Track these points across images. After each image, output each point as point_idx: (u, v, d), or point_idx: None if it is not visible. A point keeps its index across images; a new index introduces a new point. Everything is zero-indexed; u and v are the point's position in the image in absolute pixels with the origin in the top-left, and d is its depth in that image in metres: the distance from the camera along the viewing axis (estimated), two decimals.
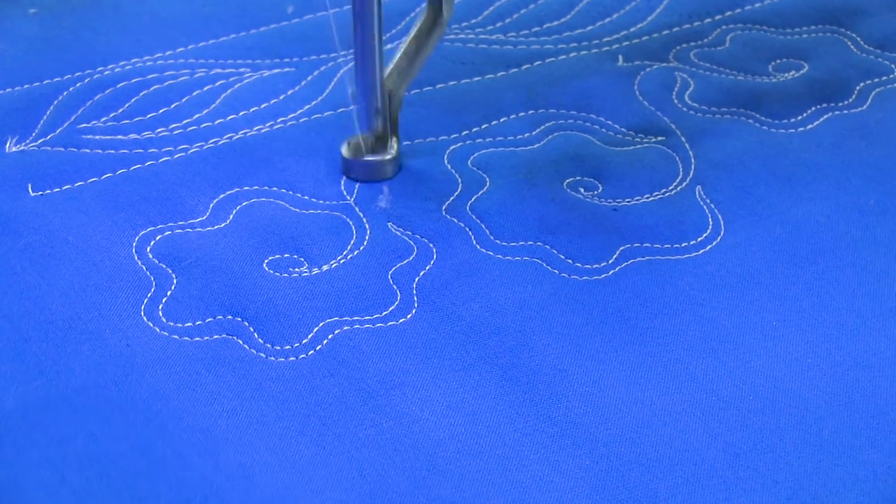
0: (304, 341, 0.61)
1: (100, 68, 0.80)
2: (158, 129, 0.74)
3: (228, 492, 0.53)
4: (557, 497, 0.53)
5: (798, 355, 0.60)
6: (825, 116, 0.76)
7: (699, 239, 0.67)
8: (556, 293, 0.63)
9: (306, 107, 0.77)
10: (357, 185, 0.70)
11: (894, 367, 0.59)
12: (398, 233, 0.67)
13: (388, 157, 0.69)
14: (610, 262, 0.65)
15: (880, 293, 0.63)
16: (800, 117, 0.75)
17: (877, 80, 0.79)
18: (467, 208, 0.68)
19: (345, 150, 0.69)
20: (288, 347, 0.60)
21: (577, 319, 0.62)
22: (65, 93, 0.77)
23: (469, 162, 0.72)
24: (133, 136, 0.74)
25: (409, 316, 0.62)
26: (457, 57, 0.82)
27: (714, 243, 0.67)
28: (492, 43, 0.84)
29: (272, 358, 0.60)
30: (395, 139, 0.69)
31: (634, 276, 0.64)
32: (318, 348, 0.60)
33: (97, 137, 0.74)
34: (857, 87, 0.78)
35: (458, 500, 0.53)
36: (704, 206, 0.69)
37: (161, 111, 0.76)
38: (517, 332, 0.61)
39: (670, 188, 0.70)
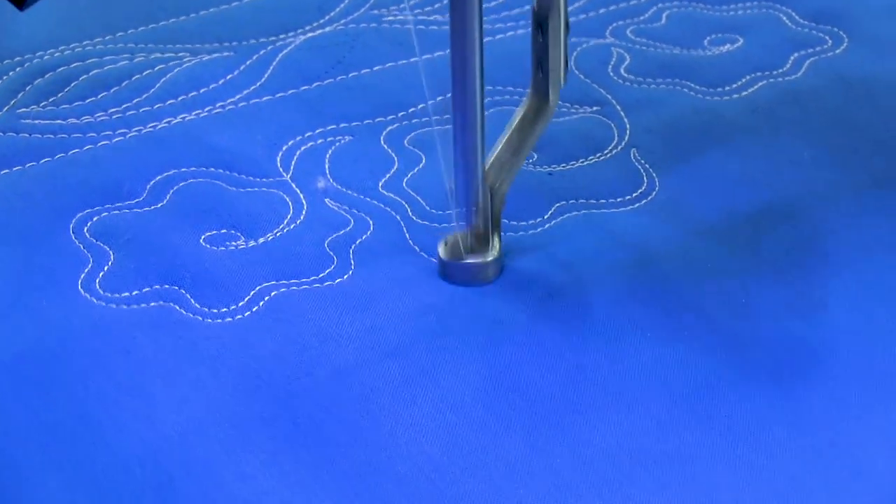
0: (240, 304, 0.61)
1: (39, 53, 0.80)
2: (98, 114, 0.75)
3: (165, 453, 0.52)
4: (493, 435, 0.53)
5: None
6: (760, 84, 0.77)
7: (634, 194, 0.67)
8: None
9: (245, 91, 0.77)
10: (294, 162, 0.70)
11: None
12: (335, 207, 0.67)
13: (490, 258, 0.62)
14: (546, 217, 0.66)
15: (816, 247, 0.63)
16: (735, 85, 0.76)
17: (811, 50, 0.80)
18: (403, 184, 0.68)
19: (441, 251, 0.62)
20: (225, 310, 0.60)
21: (518, 265, 0.63)
22: (4, 78, 0.77)
23: (406, 141, 0.72)
24: (72, 120, 0.74)
25: (345, 276, 0.62)
26: (393, 38, 0.82)
27: (649, 198, 0.67)
28: (430, 24, 0.84)
29: (209, 320, 0.60)
30: (497, 238, 0.62)
31: (570, 227, 0.65)
32: (254, 309, 0.60)
33: (36, 122, 0.74)
34: (792, 57, 0.79)
35: (393, 442, 0.53)
36: (639, 166, 0.69)
37: (100, 96, 0.76)
38: (450, 290, 0.61)
39: (605, 152, 0.71)
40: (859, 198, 0.67)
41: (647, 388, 0.56)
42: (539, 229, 0.65)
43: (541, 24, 0.58)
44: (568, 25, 0.58)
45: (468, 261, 0.61)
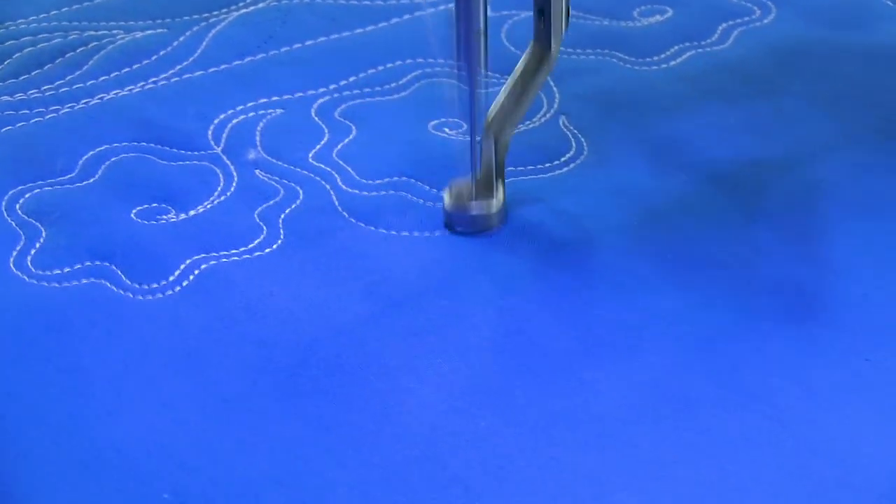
0: (170, 278, 0.61)
1: None
2: (31, 91, 0.74)
3: (95, 429, 0.53)
4: (420, 399, 0.54)
5: (657, 251, 0.62)
6: (688, 54, 0.77)
7: (563, 159, 0.68)
8: (420, 220, 0.65)
9: (178, 67, 0.77)
10: (225, 135, 0.70)
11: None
12: (265, 178, 0.67)
13: (495, 206, 0.62)
14: None
15: (742, 200, 0.64)
16: (664, 55, 0.77)
17: (739, 20, 0.80)
18: (333, 154, 0.69)
19: (446, 198, 0.63)
20: (155, 286, 0.60)
21: (436, 243, 0.63)
22: None
23: (336, 113, 0.72)
24: (5, 98, 0.74)
25: (274, 246, 0.62)
26: (325, 14, 0.82)
27: (578, 161, 0.68)
28: None
29: (140, 297, 0.60)
30: (501, 185, 0.63)
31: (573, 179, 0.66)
32: (184, 284, 0.60)
33: None
34: (720, 28, 0.80)
35: (327, 419, 0.53)
36: (568, 132, 0.70)
37: (34, 73, 0.76)
38: (381, 259, 0.62)
39: (534, 120, 0.71)
40: (782, 160, 0.68)
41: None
42: None
43: None
44: None
45: (473, 210, 0.62)
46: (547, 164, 0.67)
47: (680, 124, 0.69)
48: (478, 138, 0.60)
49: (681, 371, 0.54)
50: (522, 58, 0.60)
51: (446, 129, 0.70)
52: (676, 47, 0.77)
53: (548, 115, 0.71)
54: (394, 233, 0.63)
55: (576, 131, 0.70)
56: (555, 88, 0.73)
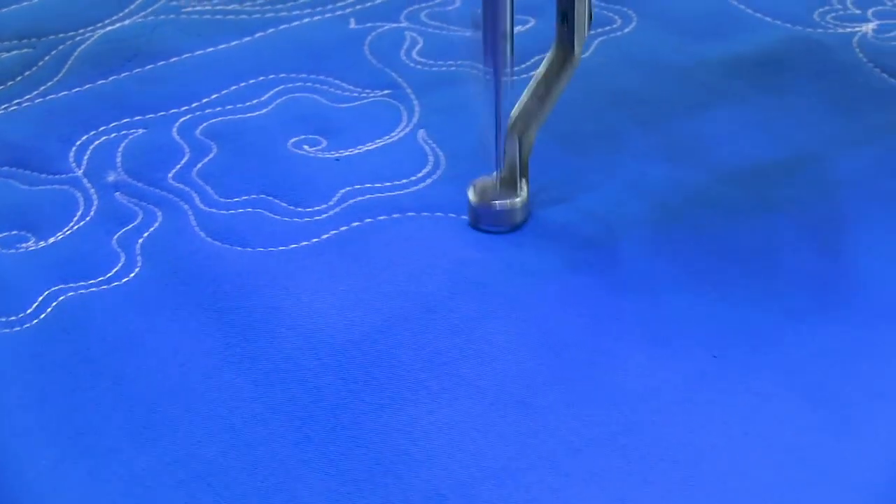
0: (28, 311, 0.60)
1: None
2: None
3: None
4: (270, 430, 0.54)
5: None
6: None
7: (420, 174, 0.68)
8: (274, 235, 0.64)
9: (42, 87, 0.77)
10: (87, 157, 0.70)
11: None
12: (124, 201, 0.67)
13: (519, 202, 0.64)
14: (331, 203, 0.66)
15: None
16: (525, 65, 0.77)
17: (600, 30, 0.81)
18: (193, 174, 0.69)
19: (471, 195, 0.64)
20: (13, 318, 0.60)
21: (289, 256, 0.63)
22: None
23: (198, 131, 0.72)
24: None
25: (132, 275, 0.62)
26: (191, 29, 0.82)
27: (434, 177, 0.68)
28: (227, 14, 0.84)
29: None
30: (525, 183, 0.64)
31: (357, 213, 0.66)
32: (42, 317, 0.60)
33: None
34: None
35: (176, 451, 0.53)
36: (426, 147, 0.70)
37: None
38: (235, 277, 0.61)
39: (393, 135, 0.72)
40: (636, 166, 0.69)
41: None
42: (324, 215, 0.66)
43: None
44: None
45: (497, 206, 0.63)
46: (404, 181, 0.68)
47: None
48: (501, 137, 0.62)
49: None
50: (545, 61, 0.62)
51: (306, 147, 0.70)
52: (538, 56, 0.77)
53: (407, 129, 0.72)
54: (249, 249, 0.63)
55: (434, 145, 0.70)
56: (415, 102, 0.74)
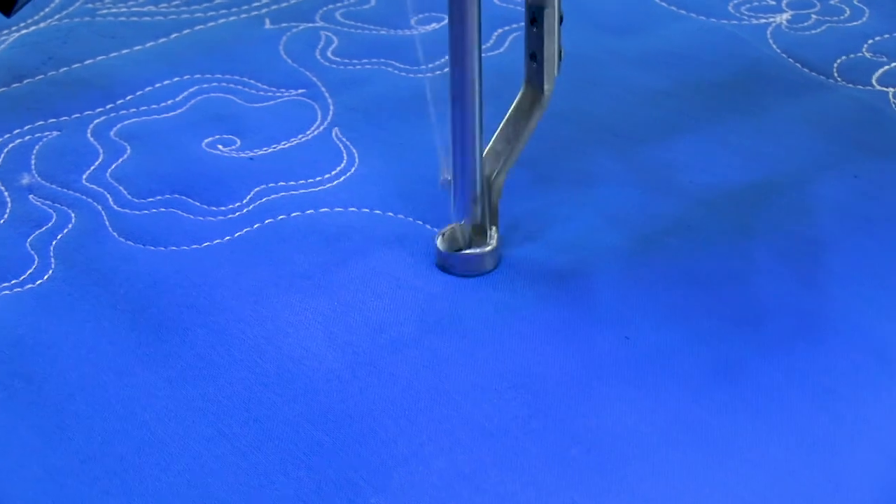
0: None
1: None
2: None
3: None
4: (184, 427, 0.54)
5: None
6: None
7: (333, 172, 0.68)
8: (187, 234, 0.64)
9: None
10: (0, 160, 0.70)
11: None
12: (38, 203, 0.67)
13: (489, 248, 0.61)
14: (244, 201, 0.67)
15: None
16: (438, 62, 0.78)
17: (514, 26, 0.82)
18: (107, 175, 0.69)
19: (440, 243, 0.61)
20: None
21: (202, 254, 0.63)
22: None
23: (112, 133, 0.72)
24: None
25: (45, 277, 0.62)
26: (106, 31, 0.82)
27: (348, 174, 0.68)
28: (143, 15, 0.84)
29: None
30: (494, 229, 0.61)
31: (270, 210, 0.66)
32: None
33: None
34: (496, 34, 0.81)
35: (90, 449, 0.53)
36: (340, 144, 0.71)
37: None
38: (148, 276, 0.61)
39: (307, 133, 0.72)
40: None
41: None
42: (237, 213, 0.66)
43: (535, 15, 0.58)
44: (561, 17, 0.58)
45: (467, 252, 0.61)
46: (318, 178, 0.68)
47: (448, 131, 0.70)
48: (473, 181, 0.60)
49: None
50: (515, 101, 0.60)
51: (220, 146, 0.71)
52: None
53: (321, 128, 0.72)
54: (162, 249, 0.63)
55: (348, 142, 0.71)
56: (329, 100, 0.74)
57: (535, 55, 0.59)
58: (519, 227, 0.64)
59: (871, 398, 0.54)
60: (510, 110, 0.60)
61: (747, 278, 0.60)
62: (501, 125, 0.60)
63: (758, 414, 0.53)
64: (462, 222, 0.60)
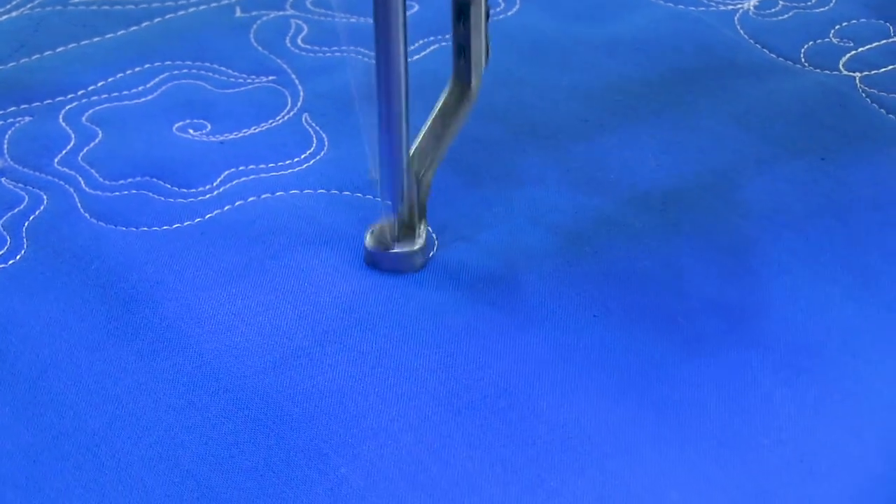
0: None
1: None
2: None
3: None
4: (154, 399, 0.54)
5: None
6: (433, 47, 0.79)
7: (303, 156, 0.69)
8: (158, 215, 0.65)
9: None
10: None
11: None
12: (10, 186, 0.67)
13: (417, 246, 0.60)
14: (215, 184, 0.67)
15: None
16: (409, 49, 0.78)
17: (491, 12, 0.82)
18: (79, 159, 0.69)
19: (368, 240, 0.61)
20: None
21: (173, 235, 0.64)
22: None
23: (84, 118, 0.73)
24: None
25: (17, 257, 0.63)
26: (78, 20, 0.83)
27: (318, 157, 0.69)
28: (114, 4, 0.85)
29: None
30: (423, 226, 0.61)
31: (240, 192, 0.67)
32: None
33: None
34: (419, 42, 0.82)
35: (62, 424, 0.54)
36: (309, 129, 0.71)
37: None
38: (119, 255, 0.62)
39: (277, 119, 0.72)
40: (517, 144, 0.70)
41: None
42: (208, 195, 0.66)
43: (462, 11, 0.58)
44: (488, 13, 0.58)
45: (396, 250, 0.60)
46: (287, 161, 0.69)
47: (415, 118, 0.70)
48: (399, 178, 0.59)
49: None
50: (441, 96, 0.59)
51: (191, 131, 0.71)
52: (422, 41, 0.79)
53: (291, 113, 0.73)
54: (133, 229, 0.64)
55: (317, 127, 0.71)
56: (299, 87, 0.75)
57: (463, 49, 0.59)
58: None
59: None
60: (437, 106, 0.59)
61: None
62: (429, 121, 0.60)
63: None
64: (390, 219, 0.60)
